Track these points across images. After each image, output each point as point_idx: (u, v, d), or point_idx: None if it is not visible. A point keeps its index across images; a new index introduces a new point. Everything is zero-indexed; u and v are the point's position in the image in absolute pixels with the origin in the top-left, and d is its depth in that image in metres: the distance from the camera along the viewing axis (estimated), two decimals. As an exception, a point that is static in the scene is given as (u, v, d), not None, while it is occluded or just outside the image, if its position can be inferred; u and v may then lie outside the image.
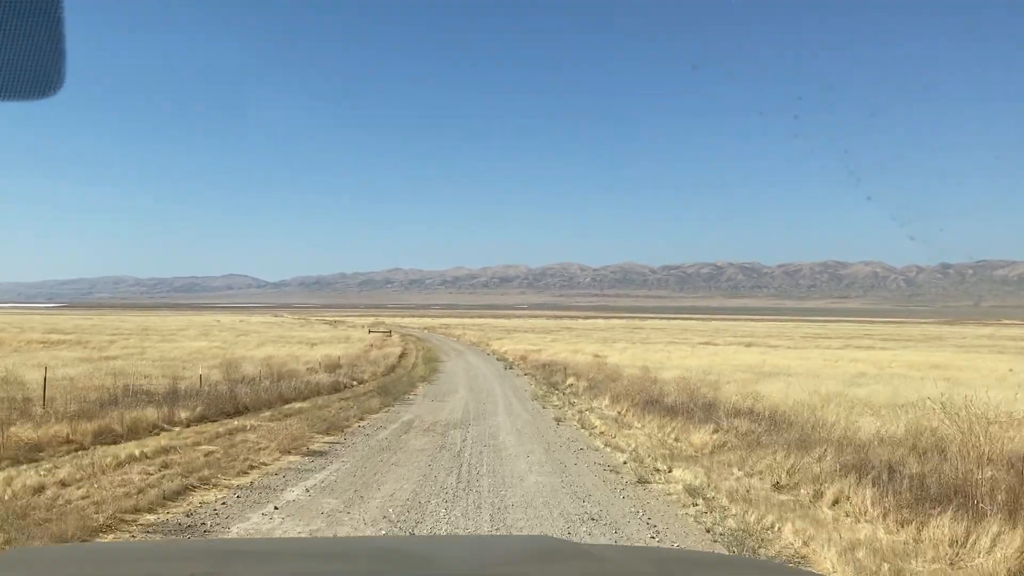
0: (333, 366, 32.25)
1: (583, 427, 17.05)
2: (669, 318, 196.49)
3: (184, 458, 11.44)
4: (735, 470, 10.96)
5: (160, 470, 10.40)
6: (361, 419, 17.74)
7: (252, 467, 11.32)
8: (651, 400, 18.18)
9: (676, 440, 14.37)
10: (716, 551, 7.38)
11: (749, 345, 63.25)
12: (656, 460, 12.27)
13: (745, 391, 21.79)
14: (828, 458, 10.29)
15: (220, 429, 14.91)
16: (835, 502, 8.69)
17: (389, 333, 73.85)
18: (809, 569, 6.57)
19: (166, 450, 11.98)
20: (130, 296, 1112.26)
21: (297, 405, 19.56)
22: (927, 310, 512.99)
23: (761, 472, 10.56)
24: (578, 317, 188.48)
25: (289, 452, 12.77)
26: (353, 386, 27.11)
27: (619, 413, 18.37)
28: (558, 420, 18.25)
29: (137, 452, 11.40)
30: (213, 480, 10.19)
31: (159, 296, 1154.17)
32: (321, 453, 13.09)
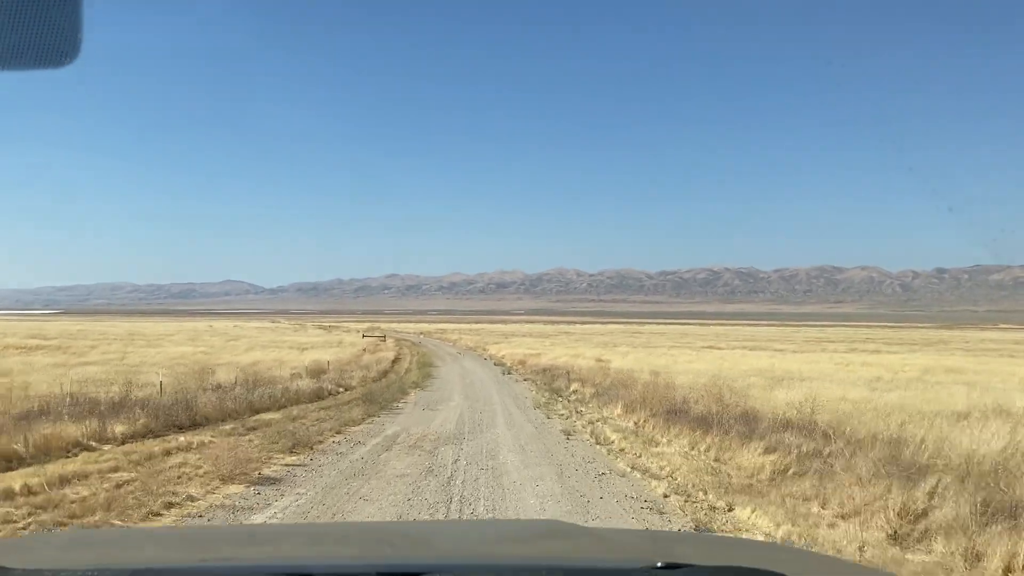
0: (319, 372, 29.62)
1: (598, 442, 14.29)
2: (667, 323, 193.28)
3: (82, 492, 8.63)
4: (818, 508, 8.19)
5: (32, 513, 7.61)
6: (338, 432, 14.99)
7: (171, 504, 8.51)
8: (673, 409, 15.40)
9: (717, 461, 11.60)
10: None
11: (753, 349, 61.08)
12: (706, 492, 9.50)
13: (769, 398, 19.17)
14: (950, 494, 7.52)
15: (157, 448, 12.12)
16: (1007, 571, 5.89)
17: (383, 338, 71.39)
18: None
19: (65, 480, 9.18)
20: (127, 302, 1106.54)
21: (268, 416, 16.79)
22: (923, 315, 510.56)
23: (859, 513, 7.73)
24: (575, 322, 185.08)
25: (232, 480, 10.01)
26: (339, 393, 24.48)
27: (636, 424, 15.60)
28: (567, 433, 15.50)
29: (18, 485, 8.57)
30: (104, 528, 7.40)
31: (156, 302, 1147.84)
32: (273, 481, 10.31)
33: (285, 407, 18.59)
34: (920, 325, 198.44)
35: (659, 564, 1.79)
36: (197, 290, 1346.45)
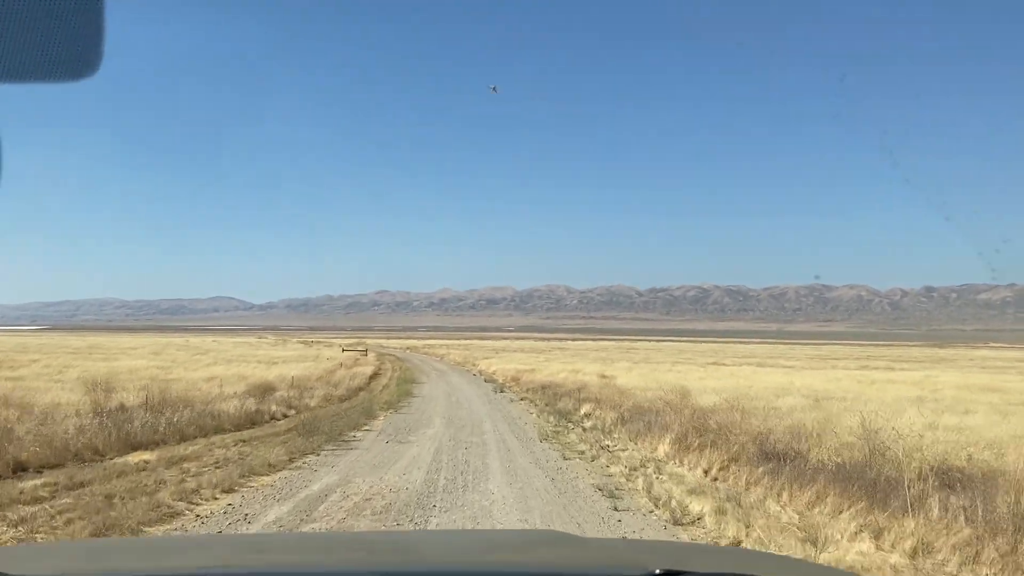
0: (269, 389, 24.46)
1: (675, 520, 8.43)
2: (659, 340, 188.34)
3: None
4: None
5: None
6: (225, 491, 9.50)
7: None
8: (770, 452, 9.98)
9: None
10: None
11: (761, 365, 57.18)
12: None
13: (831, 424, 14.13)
14: None
15: None
16: None
17: (365, 352, 66.42)
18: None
19: None
20: (115, 318, 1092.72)
21: (137, 457, 11.45)
22: (912, 333, 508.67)
23: None
24: (566, 339, 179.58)
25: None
26: (284, 416, 19.37)
27: (710, 475, 10.17)
28: (608, 494, 9.74)
29: None
30: None
31: (144, 318, 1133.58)
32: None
33: (189, 439, 13.32)
34: (911, 343, 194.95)
35: (656, 571, 1.76)
36: (186, 306, 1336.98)
